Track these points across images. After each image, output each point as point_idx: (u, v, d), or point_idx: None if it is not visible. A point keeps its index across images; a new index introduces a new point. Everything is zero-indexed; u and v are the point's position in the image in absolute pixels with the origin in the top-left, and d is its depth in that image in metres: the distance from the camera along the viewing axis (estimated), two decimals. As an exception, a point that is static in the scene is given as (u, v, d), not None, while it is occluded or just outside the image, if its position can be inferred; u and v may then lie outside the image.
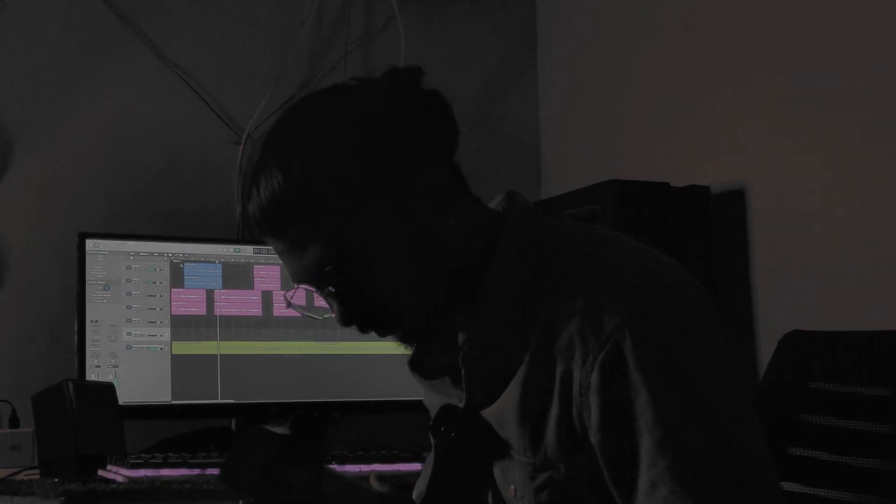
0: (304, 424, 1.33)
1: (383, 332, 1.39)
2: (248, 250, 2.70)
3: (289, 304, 1.42)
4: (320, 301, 1.40)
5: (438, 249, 1.33)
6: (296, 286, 1.39)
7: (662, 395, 1.23)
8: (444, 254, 1.34)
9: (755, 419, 1.29)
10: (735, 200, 2.69)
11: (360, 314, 1.35)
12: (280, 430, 1.34)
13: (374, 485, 1.45)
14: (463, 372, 1.37)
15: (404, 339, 1.40)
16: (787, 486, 1.56)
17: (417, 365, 1.47)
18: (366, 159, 1.31)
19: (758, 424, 1.29)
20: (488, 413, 1.37)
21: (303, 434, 1.32)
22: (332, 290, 1.34)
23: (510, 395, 1.33)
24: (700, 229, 2.66)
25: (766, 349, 1.70)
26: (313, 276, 1.33)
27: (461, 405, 1.40)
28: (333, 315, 1.37)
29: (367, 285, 1.33)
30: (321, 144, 1.31)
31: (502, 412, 1.34)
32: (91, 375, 2.51)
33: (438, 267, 1.34)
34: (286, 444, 1.31)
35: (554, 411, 1.29)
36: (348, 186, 1.30)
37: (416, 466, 2.25)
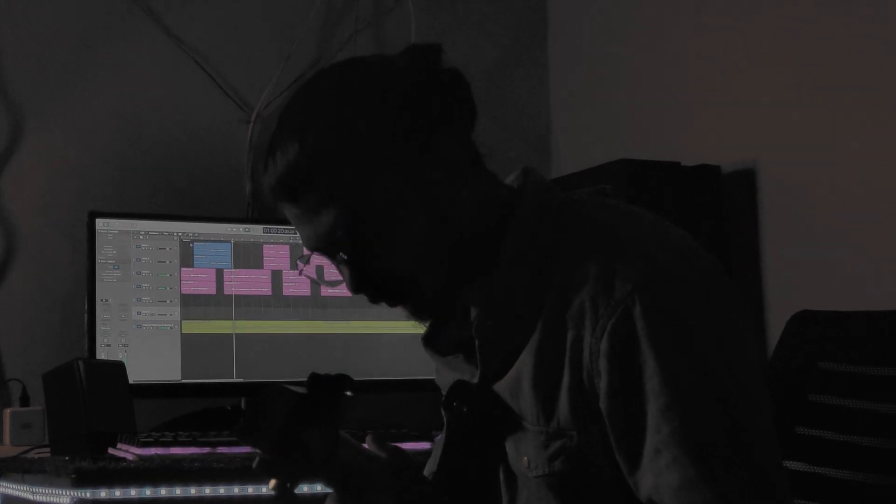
0: (321, 385, 1.33)
1: (393, 302, 1.39)
2: (257, 229, 2.70)
3: (301, 272, 1.43)
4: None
5: (451, 220, 1.35)
6: (309, 254, 1.40)
7: (670, 361, 1.23)
8: (456, 225, 1.35)
9: (764, 392, 1.29)
10: (746, 180, 2.68)
11: (370, 281, 1.36)
12: (299, 390, 1.34)
13: (372, 447, 1.45)
14: (476, 342, 1.38)
15: (415, 312, 1.40)
16: (795, 465, 1.57)
17: (431, 341, 1.48)
18: (381, 128, 1.32)
19: (766, 397, 1.29)
20: (502, 384, 1.37)
21: (319, 394, 1.33)
22: (344, 257, 1.35)
23: (524, 364, 1.34)
24: (711, 209, 2.66)
25: (776, 328, 1.71)
26: (325, 242, 1.34)
27: (474, 381, 1.40)
28: (344, 283, 1.38)
29: (378, 252, 1.34)
30: (337, 113, 1.33)
31: (516, 381, 1.35)
32: (101, 354, 2.52)
33: (450, 237, 1.35)
34: (304, 402, 1.32)
35: (566, 379, 1.30)
36: (362, 153, 1.32)
37: (424, 445, 2.26)
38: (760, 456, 1.24)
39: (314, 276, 1.49)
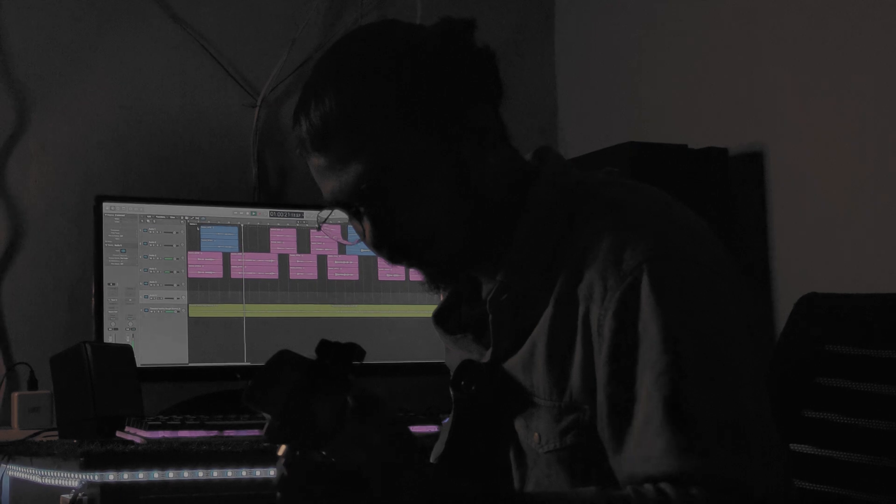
0: (331, 352, 1.33)
1: (412, 261, 1.39)
2: (264, 213, 2.70)
3: (319, 226, 1.44)
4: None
5: (476, 185, 1.36)
6: (330, 211, 1.41)
7: (671, 331, 1.24)
8: (479, 191, 1.36)
9: (761, 374, 1.30)
10: (753, 162, 2.68)
11: (390, 238, 1.36)
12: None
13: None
14: (490, 317, 1.39)
15: (433, 275, 1.41)
16: (802, 448, 1.56)
17: (441, 320, 1.49)
18: (415, 86, 1.33)
19: (762, 380, 1.30)
20: (514, 360, 1.38)
21: (329, 362, 1.32)
22: (367, 211, 1.35)
23: (538, 339, 1.35)
24: (718, 192, 2.65)
25: (784, 311, 1.71)
26: (350, 194, 1.35)
27: (483, 361, 1.41)
28: (364, 241, 1.38)
29: (401, 209, 1.34)
30: (375, 68, 1.34)
31: (530, 356, 1.36)
32: (109, 338, 2.53)
33: (472, 202, 1.36)
34: (312, 369, 1.32)
35: (578, 353, 1.31)
36: (397, 109, 1.33)
37: (432, 428, 2.26)
38: (752, 434, 1.23)
39: (334, 234, 1.50)
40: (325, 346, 1.33)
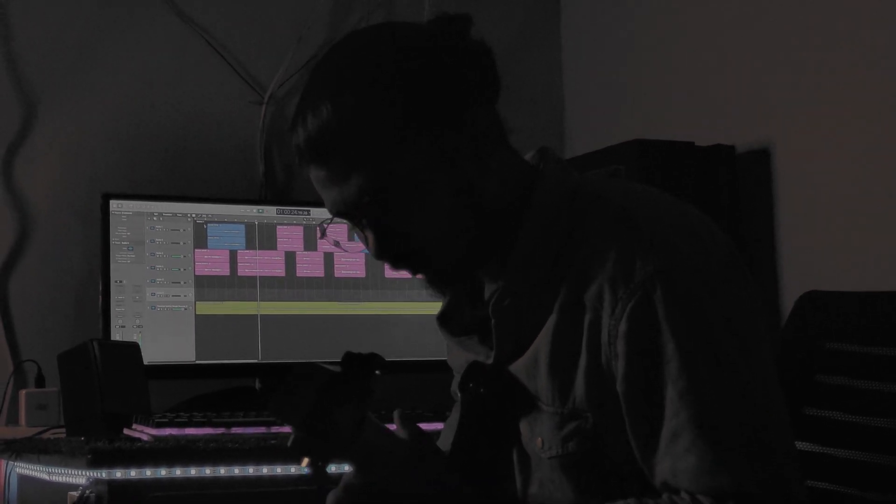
0: (354, 363, 1.34)
1: (415, 269, 1.39)
2: (271, 211, 2.71)
3: (323, 235, 1.44)
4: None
5: (476, 191, 1.35)
6: (331, 218, 1.41)
7: (688, 346, 1.24)
8: (481, 196, 1.35)
9: (775, 378, 1.30)
10: (760, 160, 2.67)
11: (393, 248, 1.36)
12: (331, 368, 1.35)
13: (397, 424, 1.45)
14: (493, 322, 1.38)
15: (435, 280, 1.41)
16: (802, 445, 1.56)
17: (446, 321, 1.49)
18: (413, 95, 1.32)
19: (777, 384, 1.30)
20: (519, 365, 1.38)
21: (352, 373, 1.34)
22: (369, 222, 1.35)
23: (541, 344, 1.34)
24: (725, 189, 2.65)
25: (790, 309, 1.72)
26: (352, 206, 1.34)
27: (488, 362, 1.41)
28: (367, 249, 1.38)
29: (405, 218, 1.34)
30: (370, 77, 1.33)
31: (533, 362, 1.35)
32: (116, 335, 2.54)
33: (474, 208, 1.35)
34: (336, 380, 1.33)
35: (583, 360, 1.30)
36: (394, 119, 1.31)
37: (439, 426, 2.26)
38: (774, 443, 1.25)
39: (335, 241, 1.51)
40: (348, 358, 1.34)
